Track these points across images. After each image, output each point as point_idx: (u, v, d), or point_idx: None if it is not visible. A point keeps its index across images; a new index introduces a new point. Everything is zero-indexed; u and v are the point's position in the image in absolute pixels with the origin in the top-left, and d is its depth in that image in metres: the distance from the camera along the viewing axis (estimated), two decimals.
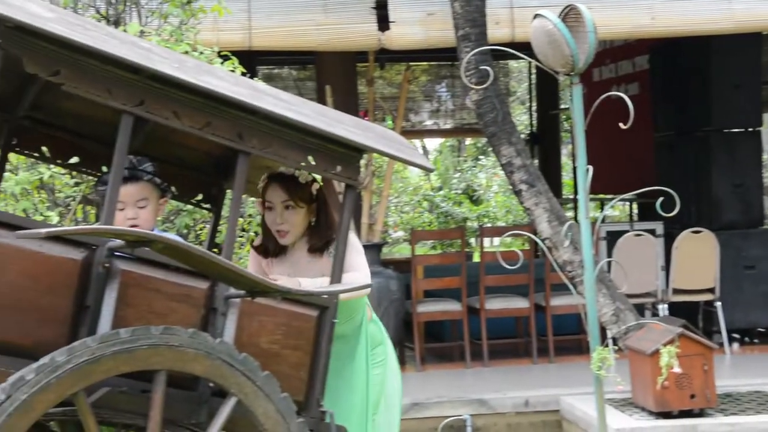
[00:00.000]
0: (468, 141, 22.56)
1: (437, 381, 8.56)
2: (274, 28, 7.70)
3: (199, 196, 4.37)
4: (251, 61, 6.41)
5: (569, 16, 4.36)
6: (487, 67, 5.37)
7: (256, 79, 4.20)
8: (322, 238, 4.15)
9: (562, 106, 15.37)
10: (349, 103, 8.56)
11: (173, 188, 4.36)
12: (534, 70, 15.62)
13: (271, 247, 4.19)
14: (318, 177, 4.18)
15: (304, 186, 4.10)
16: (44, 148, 4.06)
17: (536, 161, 13.81)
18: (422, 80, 16.28)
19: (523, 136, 9.48)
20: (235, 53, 5.01)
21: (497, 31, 7.71)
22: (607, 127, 7.74)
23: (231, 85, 3.51)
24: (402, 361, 9.28)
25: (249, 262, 4.32)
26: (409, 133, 15.45)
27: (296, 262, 4.16)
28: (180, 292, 3.41)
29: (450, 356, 9.44)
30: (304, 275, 4.05)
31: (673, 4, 8.08)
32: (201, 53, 4.64)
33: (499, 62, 14.98)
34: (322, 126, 3.59)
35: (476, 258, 12.87)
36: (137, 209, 3.92)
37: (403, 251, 17.06)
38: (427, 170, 4.03)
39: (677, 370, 6.29)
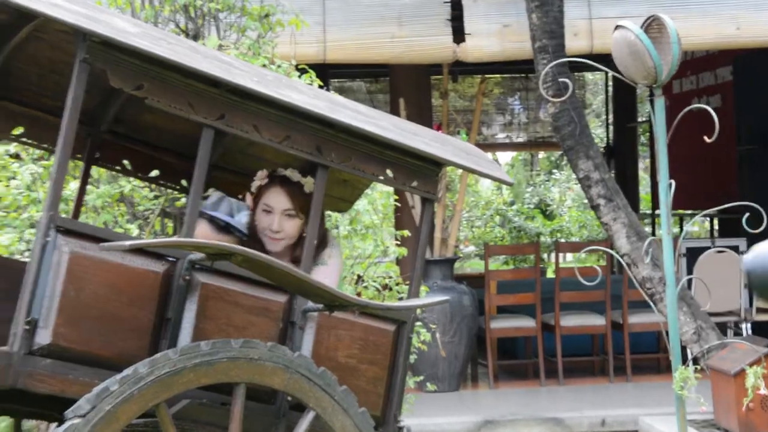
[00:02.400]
0: (541, 155, 22.42)
1: (511, 398, 8.48)
2: (348, 41, 7.72)
3: None
4: (324, 73, 6.43)
5: (652, 26, 4.30)
6: (566, 80, 5.30)
7: (330, 92, 4.19)
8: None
9: (640, 119, 15.18)
10: (422, 116, 8.55)
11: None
12: (611, 82, 15.46)
13: (256, 248, 3.86)
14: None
15: (308, 196, 3.85)
16: (125, 162, 4.10)
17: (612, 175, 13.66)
18: (495, 93, 16.22)
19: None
20: (309, 66, 5.03)
21: (575, 43, 7.64)
22: (686, 140, 7.64)
23: (310, 99, 3.52)
24: (474, 378, 9.24)
25: None
26: (482, 146, 15.39)
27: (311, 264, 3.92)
28: (259, 305, 3.42)
29: (524, 373, 9.35)
30: None
31: (760, 13, 7.92)
32: (278, 66, 4.66)
33: (575, 74, 14.86)
34: (401, 139, 3.57)
35: (550, 274, 12.75)
36: None
37: (474, 266, 16.98)
38: (506, 183, 3.99)
39: (763, 391, 6.14)
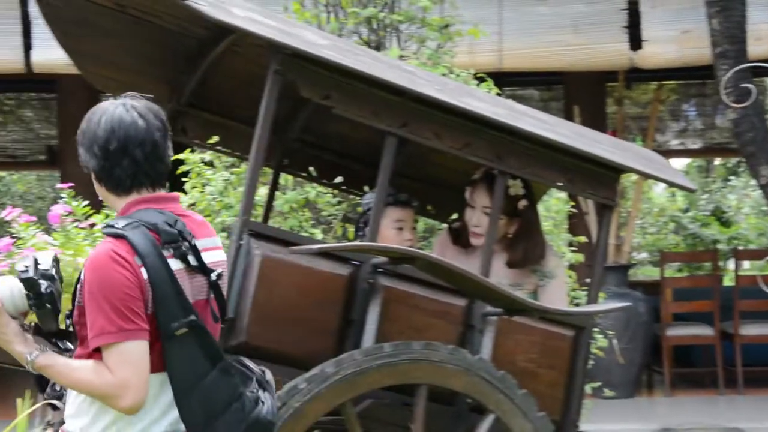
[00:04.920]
0: (717, 161, 21.79)
1: (688, 407, 8.32)
2: (524, 50, 7.73)
3: (455, 215, 4.42)
4: (498, 82, 6.45)
5: None
6: (748, 85, 5.19)
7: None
8: (520, 254, 3.97)
9: None
10: (596, 123, 8.47)
11: (430, 207, 4.46)
12: None
13: (464, 238, 4.03)
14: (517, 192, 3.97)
15: (510, 198, 3.84)
16: (311, 168, 4.24)
17: None
18: (669, 99, 15.87)
19: None
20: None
21: (757, 48, 7.43)
22: None
23: (490, 106, 3.57)
24: (650, 385, 9.10)
25: (434, 244, 4.24)
26: (657, 152, 15.05)
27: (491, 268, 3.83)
28: (439, 309, 3.48)
29: (701, 382, 9.13)
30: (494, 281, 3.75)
31: None
32: (457, 75, 4.73)
33: (755, 79, 14.39)
34: (582, 146, 3.58)
35: (727, 281, 12.39)
36: (412, 230, 4.10)
37: (646, 273, 16.64)
38: (689, 190, 3.95)
39: None
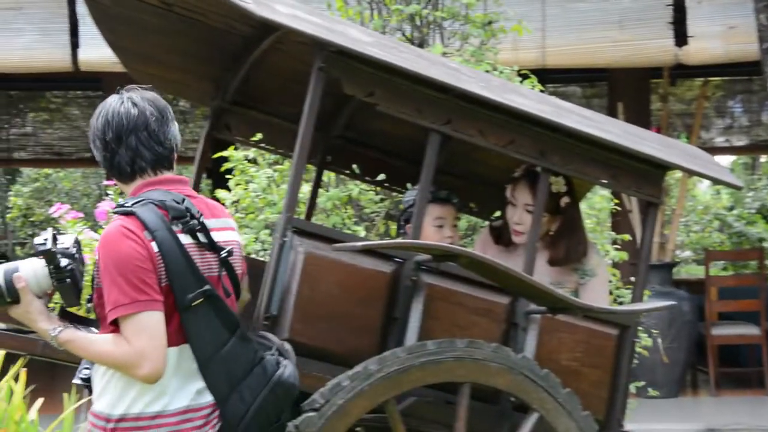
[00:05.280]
0: (763, 158, 21.54)
1: (734, 407, 8.25)
2: (568, 46, 7.70)
3: (498, 213, 4.40)
4: (541, 79, 6.40)
5: None
6: None
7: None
8: (562, 252, 3.95)
9: None
10: (640, 120, 8.42)
11: (472, 205, 4.44)
12: None
13: (505, 237, 4.03)
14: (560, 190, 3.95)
15: (552, 195, 3.85)
16: (354, 166, 4.24)
17: None
18: (715, 96, 15.71)
19: None
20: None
21: None
22: None
23: (535, 103, 3.55)
24: (694, 385, 9.02)
25: (475, 242, 4.24)
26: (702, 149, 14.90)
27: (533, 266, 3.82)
28: (482, 307, 3.47)
29: (747, 382, 9.05)
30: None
31: None
32: (501, 72, 4.72)
33: None
34: (629, 143, 3.55)
35: None
36: (453, 227, 4.09)
37: (690, 271, 16.48)
38: (735, 187, 3.89)
39: None
